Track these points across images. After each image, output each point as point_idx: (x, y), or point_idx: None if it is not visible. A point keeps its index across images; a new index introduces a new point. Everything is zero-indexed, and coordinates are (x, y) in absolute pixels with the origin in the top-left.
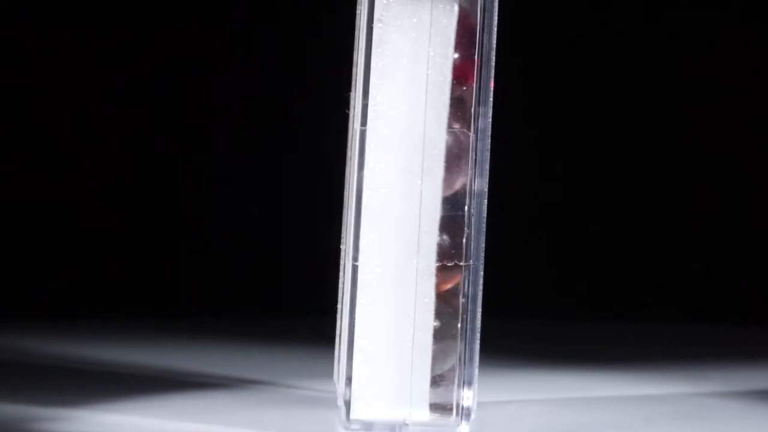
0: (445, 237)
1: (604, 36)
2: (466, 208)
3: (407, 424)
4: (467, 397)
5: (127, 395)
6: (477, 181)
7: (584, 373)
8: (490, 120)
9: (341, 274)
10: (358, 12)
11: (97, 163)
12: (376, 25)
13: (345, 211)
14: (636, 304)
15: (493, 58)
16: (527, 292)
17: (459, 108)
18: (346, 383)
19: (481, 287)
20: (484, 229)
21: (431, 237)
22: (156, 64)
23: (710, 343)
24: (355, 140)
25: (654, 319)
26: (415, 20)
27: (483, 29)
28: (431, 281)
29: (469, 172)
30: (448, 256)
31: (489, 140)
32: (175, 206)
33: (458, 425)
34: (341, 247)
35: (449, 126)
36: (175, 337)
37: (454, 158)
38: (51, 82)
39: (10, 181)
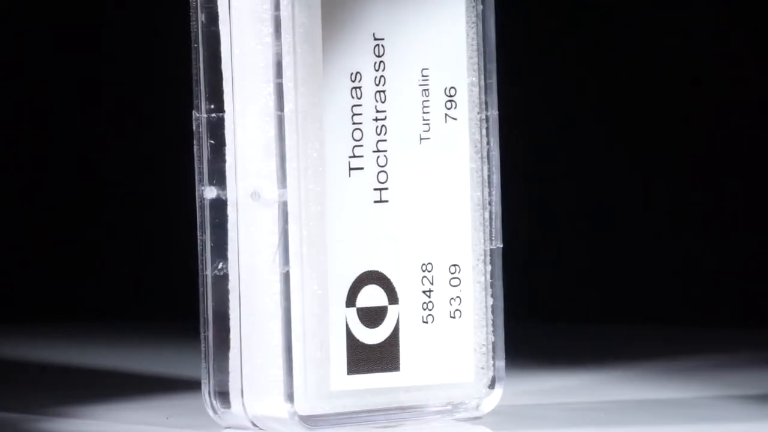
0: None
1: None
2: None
3: None
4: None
5: (128, 395)
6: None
7: (585, 374)
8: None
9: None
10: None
11: None
12: None
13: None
14: (635, 305)
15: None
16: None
17: None
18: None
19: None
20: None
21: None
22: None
23: (711, 343)
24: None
25: (655, 319)
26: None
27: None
28: None
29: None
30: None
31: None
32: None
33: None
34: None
35: None
36: (176, 338)
37: None
38: None
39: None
